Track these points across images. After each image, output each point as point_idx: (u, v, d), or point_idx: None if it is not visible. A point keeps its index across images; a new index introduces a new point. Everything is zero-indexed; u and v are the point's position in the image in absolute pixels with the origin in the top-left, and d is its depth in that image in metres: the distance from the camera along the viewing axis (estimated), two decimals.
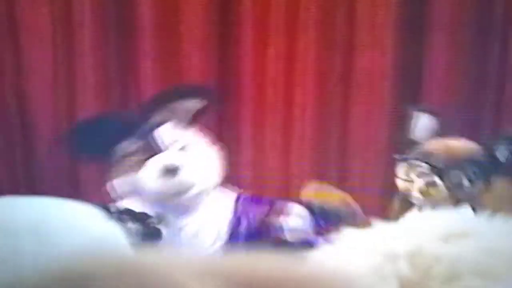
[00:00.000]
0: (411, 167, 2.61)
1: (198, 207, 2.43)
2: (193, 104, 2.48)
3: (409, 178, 2.60)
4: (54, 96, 3.60)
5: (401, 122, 2.71)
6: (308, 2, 3.30)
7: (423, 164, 2.58)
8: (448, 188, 2.58)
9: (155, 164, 2.37)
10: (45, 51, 3.58)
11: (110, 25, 3.46)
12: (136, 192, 2.39)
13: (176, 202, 2.39)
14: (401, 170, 2.64)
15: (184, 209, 2.42)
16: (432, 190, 2.59)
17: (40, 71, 3.58)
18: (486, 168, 2.56)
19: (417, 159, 2.60)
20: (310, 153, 3.39)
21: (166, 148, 2.39)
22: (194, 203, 2.42)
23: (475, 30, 3.23)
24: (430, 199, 2.58)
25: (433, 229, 1.53)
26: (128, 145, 2.41)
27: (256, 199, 2.51)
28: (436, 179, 2.57)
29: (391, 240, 1.51)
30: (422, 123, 2.63)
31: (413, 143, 2.63)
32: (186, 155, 2.40)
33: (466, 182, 2.56)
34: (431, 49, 3.25)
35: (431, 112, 2.68)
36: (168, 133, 2.42)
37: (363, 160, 3.18)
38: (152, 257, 1.10)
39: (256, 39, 3.34)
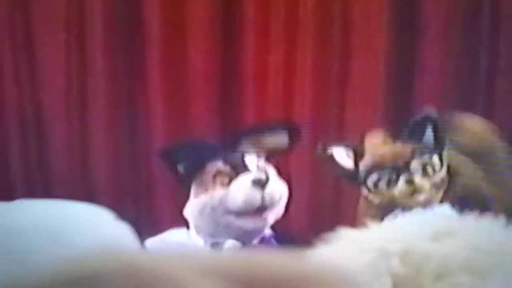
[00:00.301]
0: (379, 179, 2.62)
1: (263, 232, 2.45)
2: (280, 141, 2.51)
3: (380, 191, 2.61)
4: (67, 106, 3.60)
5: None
6: (305, 15, 3.29)
7: (388, 171, 2.60)
8: (424, 177, 2.59)
9: (245, 179, 2.37)
10: (59, 63, 3.57)
11: (120, 36, 3.45)
12: (213, 211, 2.40)
13: (252, 222, 2.39)
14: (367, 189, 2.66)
15: (252, 234, 2.42)
16: (414, 188, 2.59)
17: (54, 82, 3.58)
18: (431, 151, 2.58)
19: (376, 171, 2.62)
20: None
21: (253, 170, 2.42)
22: (261, 227, 2.43)
23: (463, 39, 3.22)
24: (416, 199, 2.59)
25: (423, 228, 1.53)
26: (216, 166, 2.41)
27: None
28: (411, 176, 2.58)
29: (384, 239, 1.50)
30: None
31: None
32: (270, 177, 2.43)
33: (430, 169, 2.58)
34: (422, 54, 3.24)
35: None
36: (253, 161, 2.42)
37: None
38: (158, 256, 1.09)
39: (257, 48, 3.33)
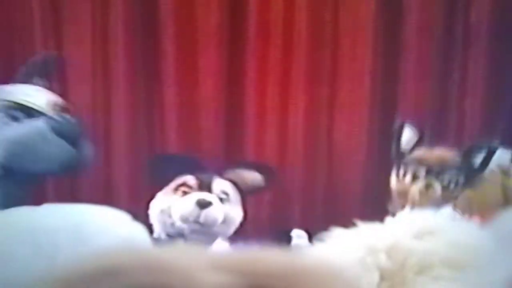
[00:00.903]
0: (408, 171, 2.62)
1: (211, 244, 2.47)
2: (256, 180, 2.55)
3: (404, 181, 2.61)
4: (94, 118, 3.59)
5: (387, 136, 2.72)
6: (299, 41, 3.29)
7: (421, 169, 2.60)
8: (442, 189, 2.59)
9: (194, 196, 2.41)
10: (86, 82, 3.55)
11: (138, 53, 3.42)
12: (164, 211, 2.45)
13: (189, 230, 2.44)
14: (396, 174, 2.65)
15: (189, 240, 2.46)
16: (430, 191, 2.60)
17: (82, 97, 3.55)
18: (466, 173, 2.58)
19: (412, 165, 2.62)
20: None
21: (213, 191, 2.46)
22: (201, 238, 2.46)
23: (441, 58, 3.22)
24: (425, 199, 2.59)
25: (407, 227, 1.52)
26: (186, 178, 2.48)
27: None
28: (433, 181, 2.58)
29: (372, 237, 1.50)
30: (406, 136, 2.64)
31: (401, 153, 2.65)
32: (223, 204, 2.45)
33: (452, 185, 2.58)
34: (404, 76, 3.24)
35: (413, 126, 2.69)
36: (221, 185, 2.47)
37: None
38: (170, 253, 1.08)
39: (258, 71, 3.32)
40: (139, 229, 1.63)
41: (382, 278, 1.42)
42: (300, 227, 2.78)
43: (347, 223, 1.57)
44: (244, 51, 3.34)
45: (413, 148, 2.68)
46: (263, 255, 1.10)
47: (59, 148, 2.46)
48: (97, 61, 3.42)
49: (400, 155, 2.67)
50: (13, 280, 1.10)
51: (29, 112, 2.53)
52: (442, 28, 3.20)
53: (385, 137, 3.15)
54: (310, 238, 2.32)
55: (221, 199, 2.48)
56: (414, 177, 2.62)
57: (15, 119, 2.52)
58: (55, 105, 2.58)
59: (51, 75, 2.71)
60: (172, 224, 2.46)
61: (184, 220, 2.43)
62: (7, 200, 2.36)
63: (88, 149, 2.55)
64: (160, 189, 2.54)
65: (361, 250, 1.45)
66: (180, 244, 2.18)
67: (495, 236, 1.30)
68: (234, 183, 2.55)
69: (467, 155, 2.63)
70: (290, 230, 2.66)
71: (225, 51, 3.34)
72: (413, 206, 2.52)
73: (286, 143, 3.37)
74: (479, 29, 3.15)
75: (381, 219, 1.60)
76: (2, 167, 2.45)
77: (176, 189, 2.48)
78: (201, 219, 2.43)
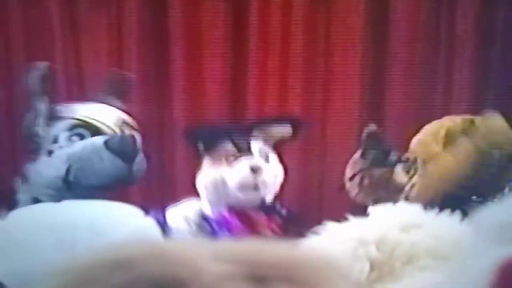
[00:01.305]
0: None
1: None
2: (284, 132, 2.49)
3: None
4: None
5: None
6: (295, 49, 3.28)
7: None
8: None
9: (245, 163, 2.35)
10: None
11: (150, 63, 3.38)
12: (216, 184, 2.37)
13: (245, 197, 2.36)
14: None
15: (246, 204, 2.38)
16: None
17: None
18: None
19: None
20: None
21: (255, 155, 2.39)
22: (257, 200, 2.39)
23: (426, 67, 3.20)
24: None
25: (394, 221, 1.52)
26: (226, 147, 2.39)
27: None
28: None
29: (362, 230, 1.49)
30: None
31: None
32: (267, 165, 2.39)
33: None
34: (391, 81, 3.23)
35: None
36: (258, 146, 2.40)
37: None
38: (178, 245, 1.08)
39: (258, 77, 3.31)
40: (150, 223, 1.63)
41: (372, 268, 1.41)
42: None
43: (339, 218, 1.57)
44: (246, 60, 3.33)
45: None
46: (263, 247, 1.10)
47: (112, 164, 2.41)
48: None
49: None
50: (35, 269, 1.09)
51: (96, 130, 2.49)
52: (427, 39, 3.18)
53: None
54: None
55: (265, 159, 2.40)
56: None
57: (80, 137, 2.51)
58: (122, 124, 2.54)
59: (126, 95, 2.63)
60: (228, 194, 2.35)
61: (242, 187, 2.34)
62: None
63: (141, 164, 2.50)
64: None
65: (353, 242, 1.45)
66: (186, 237, 2.16)
67: (476, 230, 1.30)
68: (266, 141, 2.44)
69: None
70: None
71: (228, 60, 3.33)
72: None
73: None
74: (462, 42, 3.13)
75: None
76: (64, 181, 2.44)
77: (220, 159, 2.38)
78: (259, 184, 2.34)
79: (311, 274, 1.07)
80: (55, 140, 2.49)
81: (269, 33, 3.26)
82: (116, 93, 2.62)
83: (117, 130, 2.50)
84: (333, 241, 1.46)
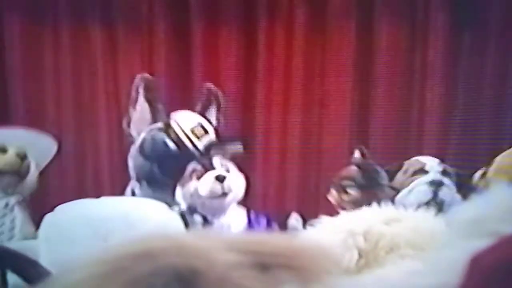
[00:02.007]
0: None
1: (226, 211, 2.38)
2: (235, 148, 2.46)
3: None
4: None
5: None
6: (297, 68, 3.25)
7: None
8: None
9: (211, 175, 2.32)
10: None
11: (176, 83, 3.35)
12: (193, 194, 2.35)
13: (217, 203, 2.34)
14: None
15: (219, 211, 2.36)
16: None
17: None
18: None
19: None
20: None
21: (217, 168, 2.36)
22: (226, 207, 2.36)
23: (404, 88, 3.18)
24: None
25: (379, 216, 1.49)
26: (194, 165, 2.35)
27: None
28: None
29: (351, 223, 1.46)
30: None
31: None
32: (229, 174, 2.36)
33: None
34: (376, 98, 3.21)
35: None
36: (218, 161, 2.35)
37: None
38: (194, 237, 1.05)
39: (265, 96, 3.29)
40: (173, 216, 1.60)
41: (360, 256, 1.39)
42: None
43: (332, 212, 1.54)
44: (255, 82, 3.31)
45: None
46: (267, 238, 1.07)
47: (140, 163, 2.46)
48: None
49: None
50: (74, 258, 1.06)
51: (173, 133, 2.48)
52: (405, 65, 3.17)
53: (360, 143, 3.10)
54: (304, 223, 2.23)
55: (226, 171, 2.36)
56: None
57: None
58: (196, 130, 2.50)
59: (218, 108, 2.61)
60: (203, 203, 2.31)
61: (212, 194, 2.29)
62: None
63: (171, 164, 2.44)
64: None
65: (343, 233, 1.42)
66: (201, 230, 2.12)
67: (450, 225, 1.26)
68: (223, 156, 2.39)
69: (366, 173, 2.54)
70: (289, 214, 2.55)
71: (241, 83, 3.31)
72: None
73: (286, 147, 3.31)
74: (434, 66, 3.12)
75: None
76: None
77: (190, 176, 2.34)
78: (226, 190, 2.28)
79: (308, 262, 1.04)
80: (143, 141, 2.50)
81: (274, 58, 3.25)
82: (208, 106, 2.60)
83: (191, 136, 2.48)
84: (327, 233, 1.43)
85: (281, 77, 3.26)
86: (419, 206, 2.30)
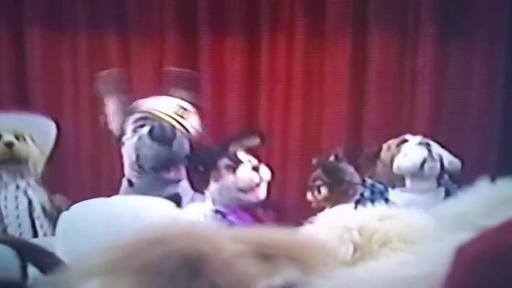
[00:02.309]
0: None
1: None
2: (253, 142, 2.38)
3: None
4: None
5: None
6: (296, 83, 3.25)
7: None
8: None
9: (246, 167, 2.23)
10: None
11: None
12: (228, 189, 2.24)
13: (253, 193, 2.23)
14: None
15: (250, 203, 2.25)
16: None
17: None
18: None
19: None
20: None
21: (245, 161, 2.29)
22: (259, 197, 2.31)
23: (396, 92, 3.18)
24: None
25: (372, 212, 1.49)
26: (224, 162, 2.27)
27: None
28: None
29: (347, 219, 1.46)
30: None
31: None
32: (261, 164, 2.26)
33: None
34: (370, 107, 3.20)
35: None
36: (243, 155, 2.28)
37: None
38: (202, 228, 1.06)
39: (269, 100, 3.29)
40: (179, 213, 1.60)
41: (355, 249, 1.39)
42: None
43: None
44: (258, 89, 3.31)
45: None
46: (269, 232, 1.08)
47: (154, 150, 2.34)
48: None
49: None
50: (88, 250, 1.07)
51: (158, 119, 2.37)
52: (396, 72, 3.17)
53: (355, 142, 3.10)
54: None
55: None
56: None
57: (142, 127, 2.38)
58: (179, 111, 2.41)
59: (192, 89, 2.54)
60: (232, 197, 2.23)
61: (251, 183, 2.22)
62: (145, 189, 2.32)
63: (181, 147, 2.34)
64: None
65: (339, 229, 1.42)
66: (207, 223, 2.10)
67: (436, 220, 1.26)
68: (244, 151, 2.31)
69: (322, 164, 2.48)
70: None
71: (244, 92, 3.31)
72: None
73: (287, 146, 3.30)
74: (423, 73, 3.12)
75: None
76: (138, 166, 2.38)
77: (224, 171, 2.25)
78: (263, 178, 2.22)
79: (306, 254, 1.05)
80: (123, 133, 2.42)
81: (276, 66, 3.26)
82: (183, 87, 2.51)
83: (177, 118, 2.40)
84: (324, 228, 1.43)
85: (282, 83, 3.26)
86: (421, 164, 2.26)
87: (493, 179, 1.24)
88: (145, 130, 2.38)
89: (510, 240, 0.68)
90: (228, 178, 2.25)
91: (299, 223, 1.46)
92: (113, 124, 2.48)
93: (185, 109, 2.46)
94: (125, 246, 0.99)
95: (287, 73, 3.25)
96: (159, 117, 2.40)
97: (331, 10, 3.14)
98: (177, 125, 2.40)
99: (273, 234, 1.07)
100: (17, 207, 2.33)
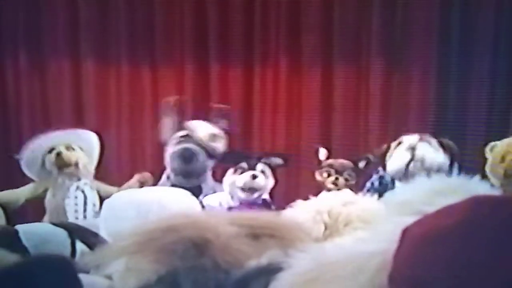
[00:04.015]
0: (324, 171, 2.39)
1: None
2: (277, 162, 2.31)
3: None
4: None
5: None
6: (281, 107, 3.18)
7: (331, 170, 2.38)
8: (344, 181, 2.37)
9: (249, 173, 2.21)
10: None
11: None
12: (232, 184, 2.22)
13: (247, 195, 2.21)
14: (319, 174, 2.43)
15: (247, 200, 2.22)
16: (337, 182, 2.37)
17: None
18: (356, 172, 2.36)
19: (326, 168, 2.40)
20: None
21: (257, 170, 2.23)
22: (254, 199, 2.24)
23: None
24: (335, 187, 2.36)
25: (338, 199, 1.44)
26: (241, 164, 2.24)
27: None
28: (339, 177, 2.36)
29: (319, 204, 1.42)
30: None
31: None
32: (262, 176, 2.23)
33: (350, 179, 2.35)
34: (337, 123, 3.15)
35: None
36: (261, 166, 2.24)
37: None
38: (206, 215, 1.01)
39: (261, 121, 3.23)
40: (194, 201, 1.55)
41: (325, 228, 1.34)
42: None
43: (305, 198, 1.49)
44: (252, 115, 3.24)
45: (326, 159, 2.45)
46: (258, 215, 1.04)
47: (177, 165, 2.36)
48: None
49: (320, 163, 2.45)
50: (123, 231, 1.02)
51: (192, 140, 2.37)
52: (355, 96, 3.11)
53: (346, 142, 3.00)
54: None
55: (262, 173, 2.23)
56: (328, 175, 2.39)
57: (179, 144, 2.37)
58: (211, 136, 2.39)
59: (228, 119, 2.51)
60: (235, 193, 2.21)
61: (245, 186, 2.20)
62: (176, 182, 2.33)
63: (201, 165, 2.36)
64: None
65: (313, 212, 1.37)
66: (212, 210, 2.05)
67: (386, 205, 1.22)
68: (268, 165, 2.27)
69: (356, 163, 2.41)
70: None
71: (242, 107, 3.25)
72: (329, 190, 2.29)
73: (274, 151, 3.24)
74: (374, 97, 3.06)
75: None
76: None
77: (235, 170, 2.23)
78: (255, 186, 2.19)
79: (287, 232, 1.00)
80: (167, 144, 2.41)
81: (266, 93, 3.21)
82: (220, 116, 2.50)
83: (209, 141, 2.39)
84: (301, 212, 1.39)
85: (270, 107, 3.22)
86: (405, 167, 2.08)
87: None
88: (176, 148, 2.40)
89: (445, 224, 0.64)
90: (234, 177, 2.23)
91: (282, 207, 1.42)
92: (164, 136, 2.48)
93: (217, 134, 2.44)
94: (146, 232, 0.95)
95: (274, 99, 3.22)
96: (194, 138, 2.39)
97: (306, 51, 3.10)
98: (207, 146, 2.39)
99: (260, 217, 1.04)
100: (76, 203, 2.32)
